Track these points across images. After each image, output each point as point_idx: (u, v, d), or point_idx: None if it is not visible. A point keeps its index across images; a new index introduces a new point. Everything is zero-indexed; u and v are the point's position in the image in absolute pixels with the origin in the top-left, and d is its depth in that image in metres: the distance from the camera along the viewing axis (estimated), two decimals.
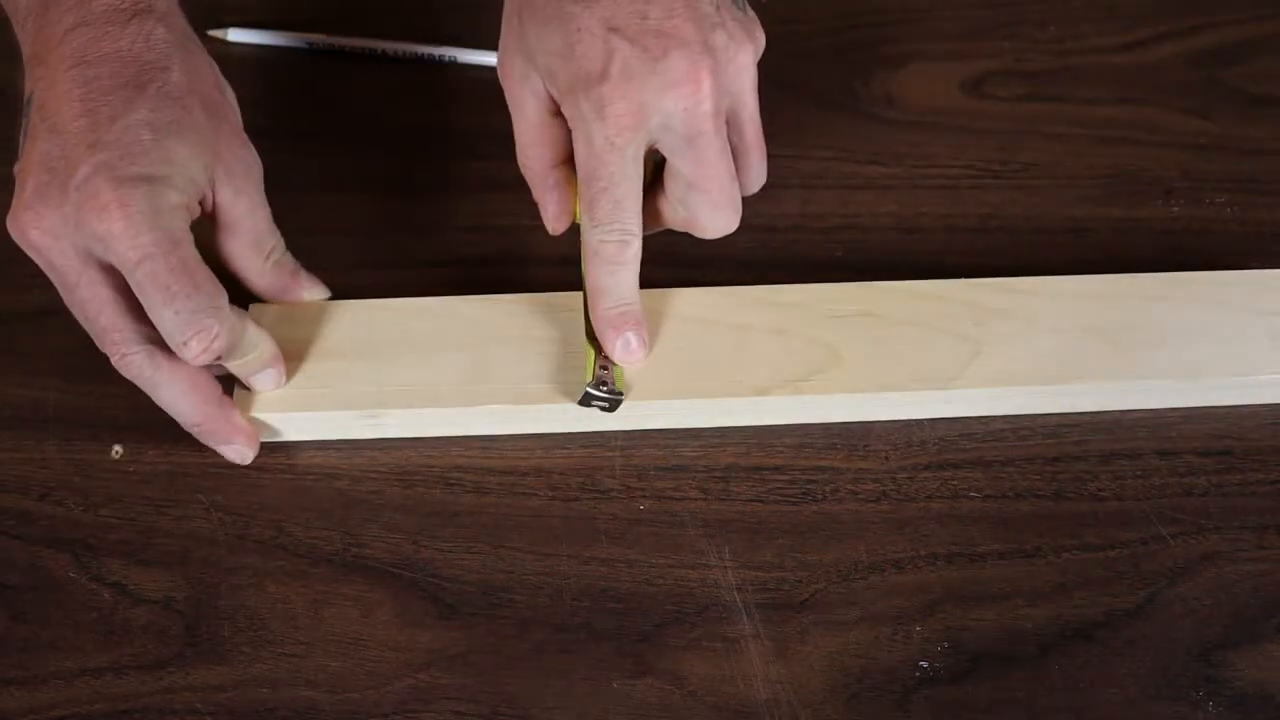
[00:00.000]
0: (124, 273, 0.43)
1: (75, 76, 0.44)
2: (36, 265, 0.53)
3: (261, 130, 0.59)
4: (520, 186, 0.57)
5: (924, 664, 0.45)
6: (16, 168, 0.45)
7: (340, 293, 0.52)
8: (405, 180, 0.58)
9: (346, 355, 0.50)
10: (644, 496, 0.49)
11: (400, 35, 0.62)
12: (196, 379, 0.47)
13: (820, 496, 0.49)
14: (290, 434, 0.50)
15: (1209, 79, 0.61)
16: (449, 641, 0.46)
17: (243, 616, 0.46)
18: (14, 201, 0.44)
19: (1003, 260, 0.54)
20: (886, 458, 0.49)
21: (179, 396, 0.47)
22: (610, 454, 0.50)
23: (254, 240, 0.48)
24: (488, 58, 0.61)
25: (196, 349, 0.44)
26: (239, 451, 0.49)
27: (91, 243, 0.43)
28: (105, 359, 0.50)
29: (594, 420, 0.49)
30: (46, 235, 0.43)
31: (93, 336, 0.46)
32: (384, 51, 0.62)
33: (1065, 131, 0.59)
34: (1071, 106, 0.60)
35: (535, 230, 0.56)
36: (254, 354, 0.47)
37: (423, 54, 0.62)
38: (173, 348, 0.45)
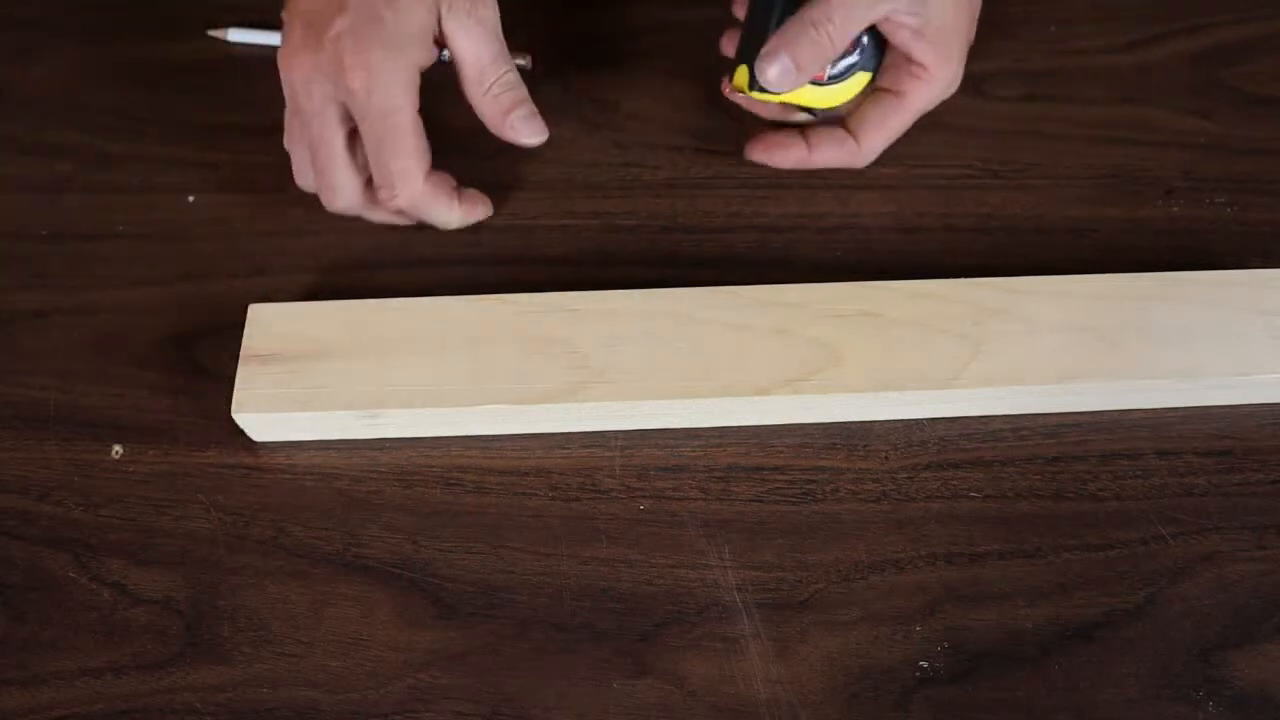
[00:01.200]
0: (357, 121, 0.50)
1: None
2: (37, 265, 0.54)
3: (262, 130, 0.59)
4: (520, 186, 0.57)
5: (924, 664, 0.45)
6: (284, 13, 0.51)
7: (340, 293, 0.52)
8: None
9: (347, 355, 0.50)
10: (644, 496, 0.49)
11: None
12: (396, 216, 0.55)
13: (820, 496, 0.49)
14: (290, 434, 0.50)
15: (1209, 79, 0.60)
16: (449, 641, 0.46)
17: (243, 616, 0.46)
18: (284, 43, 0.50)
19: (1003, 260, 0.54)
20: (886, 458, 0.49)
21: (382, 219, 0.55)
22: (610, 454, 0.50)
23: (475, 73, 0.51)
24: None
25: (386, 197, 0.52)
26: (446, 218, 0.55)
27: (337, 92, 0.49)
28: (105, 359, 0.51)
29: (594, 420, 0.49)
30: (303, 78, 0.49)
31: (313, 174, 0.52)
32: None
33: (1065, 131, 0.59)
34: (1071, 106, 0.60)
35: (535, 230, 0.56)
36: (439, 221, 0.55)
37: None
38: (376, 191, 0.52)
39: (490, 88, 0.51)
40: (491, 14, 0.51)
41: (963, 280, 0.51)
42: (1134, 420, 0.50)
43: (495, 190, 0.57)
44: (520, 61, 0.61)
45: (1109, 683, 0.44)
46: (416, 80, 0.50)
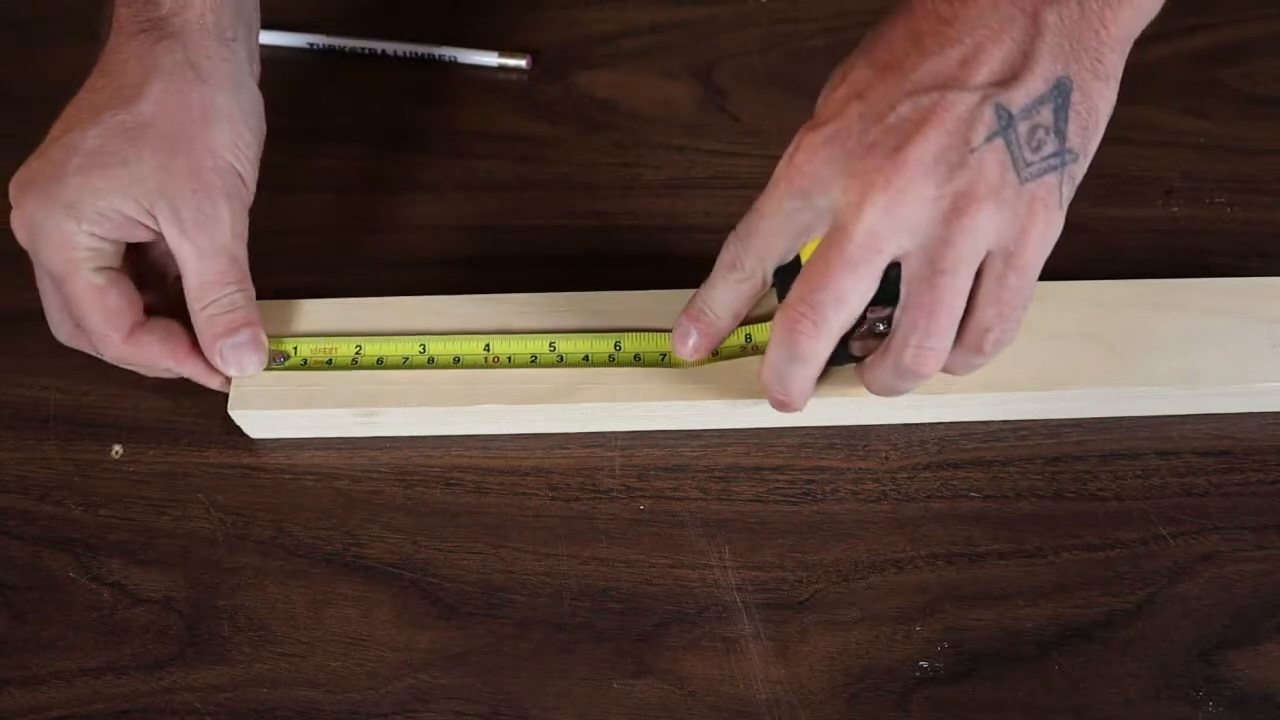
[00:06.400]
0: None
1: (89, 82, 0.46)
2: (35, 265, 0.53)
3: None
4: (520, 186, 0.57)
5: (924, 664, 0.45)
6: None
7: (341, 292, 0.52)
8: (405, 180, 0.58)
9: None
10: (644, 496, 0.49)
11: (400, 35, 0.62)
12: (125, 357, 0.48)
13: (820, 496, 0.49)
14: (286, 430, 0.50)
15: (1209, 79, 0.60)
16: (449, 641, 0.46)
17: (243, 616, 0.46)
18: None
19: None
20: (886, 458, 0.49)
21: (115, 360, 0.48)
22: (610, 454, 0.50)
23: (195, 287, 0.46)
24: (488, 58, 0.61)
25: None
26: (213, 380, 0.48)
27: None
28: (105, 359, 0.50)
29: (594, 420, 0.49)
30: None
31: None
32: (384, 51, 0.62)
33: None
34: None
35: (534, 230, 0.56)
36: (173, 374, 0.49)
37: (423, 54, 0.62)
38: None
39: (207, 307, 0.46)
40: (222, 227, 0.45)
41: None
42: (1134, 421, 0.50)
43: (494, 191, 0.57)
44: (519, 62, 0.61)
45: (1109, 683, 0.44)
46: (85, 246, 0.44)
